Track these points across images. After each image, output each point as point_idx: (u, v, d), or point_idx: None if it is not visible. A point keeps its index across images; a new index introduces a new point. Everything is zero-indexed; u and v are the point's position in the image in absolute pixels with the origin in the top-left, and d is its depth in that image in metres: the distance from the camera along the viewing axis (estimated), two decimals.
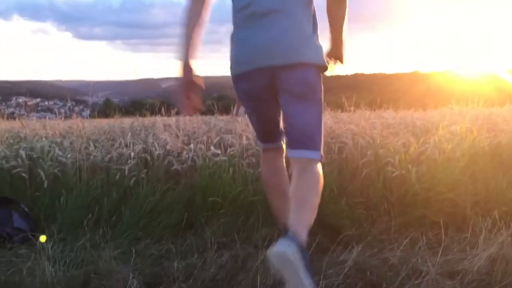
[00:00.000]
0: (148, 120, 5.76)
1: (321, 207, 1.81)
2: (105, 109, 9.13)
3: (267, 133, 2.18)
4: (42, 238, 2.46)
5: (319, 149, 1.89)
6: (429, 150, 3.21)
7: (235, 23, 1.98)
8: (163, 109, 6.37)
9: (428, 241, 2.47)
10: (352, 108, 5.65)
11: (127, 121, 5.91)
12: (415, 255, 2.25)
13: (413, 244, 2.43)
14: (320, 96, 1.93)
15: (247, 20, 1.90)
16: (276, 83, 1.89)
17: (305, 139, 1.87)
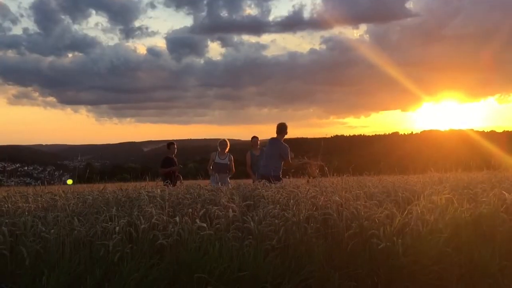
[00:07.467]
0: (132, 187, 5.72)
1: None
2: (86, 174, 9.07)
3: None
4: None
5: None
6: (412, 222, 3.25)
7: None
8: (147, 176, 6.35)
9: None
10: (334, 174, 5.79)
11: (110, 188, 5.86)
12: None
13: None
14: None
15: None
16: None
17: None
